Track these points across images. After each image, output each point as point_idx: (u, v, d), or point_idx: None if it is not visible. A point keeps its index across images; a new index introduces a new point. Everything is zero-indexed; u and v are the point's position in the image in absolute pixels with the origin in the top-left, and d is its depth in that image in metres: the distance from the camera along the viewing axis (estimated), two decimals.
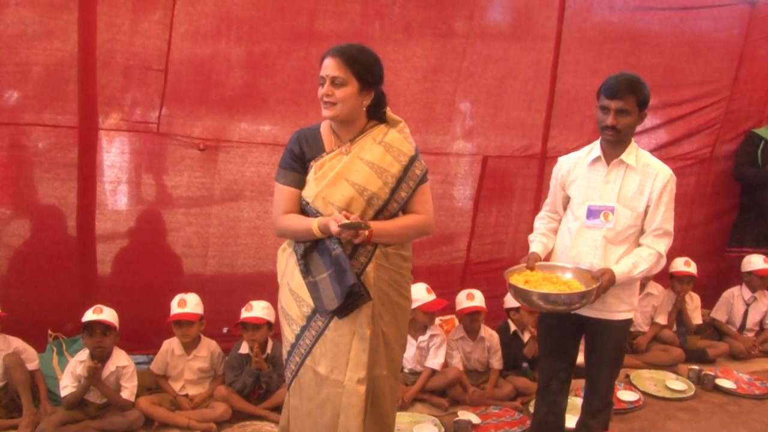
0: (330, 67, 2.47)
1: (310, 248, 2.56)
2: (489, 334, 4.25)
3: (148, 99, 3.75)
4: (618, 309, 2.94)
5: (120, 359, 3.61)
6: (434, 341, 4.11)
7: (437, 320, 4.39)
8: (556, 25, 4.52)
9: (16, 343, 3.62)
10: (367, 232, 2.42)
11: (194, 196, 3.96)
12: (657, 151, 3.17)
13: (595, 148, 2.97)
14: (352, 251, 2.51)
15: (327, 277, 2.48)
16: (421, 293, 4.01)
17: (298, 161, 2.58)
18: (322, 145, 2.59)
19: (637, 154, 2.91)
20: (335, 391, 2.55)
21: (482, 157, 4.59)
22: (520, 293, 2.79)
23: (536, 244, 3.07)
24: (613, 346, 3.00)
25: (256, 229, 4.06)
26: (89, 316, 3.50)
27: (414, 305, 3.89)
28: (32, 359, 3.64)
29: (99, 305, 3.54)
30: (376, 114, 2.62)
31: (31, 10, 3.45)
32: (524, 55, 4.51)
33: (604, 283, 2.75)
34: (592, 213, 2.91)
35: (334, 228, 2.37)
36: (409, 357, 4.11)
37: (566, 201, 3.09)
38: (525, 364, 4.28)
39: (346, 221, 2.38)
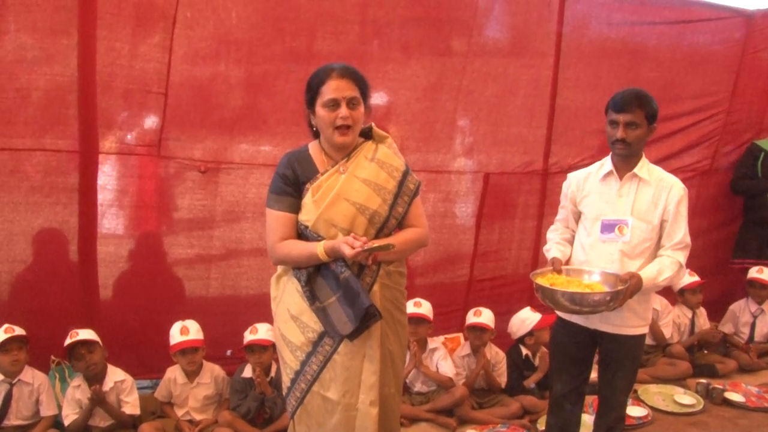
0: (345, 88, 2.41)
1: (314, 273, 2.50)
2: (494, 352, 4.23)
3: (148, 122, 3.74)
4: (634, 324, 2.91)
5: (116, 374, 3.60)
6: (437, 354, 4.10)
7: (442, 338, 4.37)
8: (555, 41, 4.54)
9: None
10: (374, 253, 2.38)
11: (196, 218, 3.94)
12: (657, 164, 3.18)
13: (606, 163, 2.98)
14: (358, 272, 2.47)
15: (335, 301, 2.44)
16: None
17: (292, 185, 2.50)
18: (315, 166, 2.53)
19: (649, 167, 2.92)
20: (349, 415, 2.50)
21: (484, 174, 4.59)
22: (547, 294, 2.74)
23: (554, 251, 3.04)
24: (628, 362, 2.98)
25: (259, 251, 4.03)
26: (68, 340, 3.49)
27: None
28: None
29: (73, 330, 3.53)
30: (362, 131, 2.58)
31: (30, 36, 3.45)
32: (523, 71, 4.53)
33: (632, 286, 2.70)
34: (606, 227, 2.90)
35: (348, 252, 2.29)
36: (413, 377, 4.08)
37: (578, 216, 3.08)
38: (532, 385, 4.24)
39: (376, 244, 2.34)
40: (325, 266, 2.46)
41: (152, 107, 3.71)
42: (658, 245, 2.90)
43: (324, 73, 2.44)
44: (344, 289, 2.41)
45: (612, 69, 4.73)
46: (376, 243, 2.37)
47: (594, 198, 2.97)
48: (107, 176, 3.75)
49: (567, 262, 3.04)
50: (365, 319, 2.40)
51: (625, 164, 2.91)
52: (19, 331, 3.47)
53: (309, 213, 2.47)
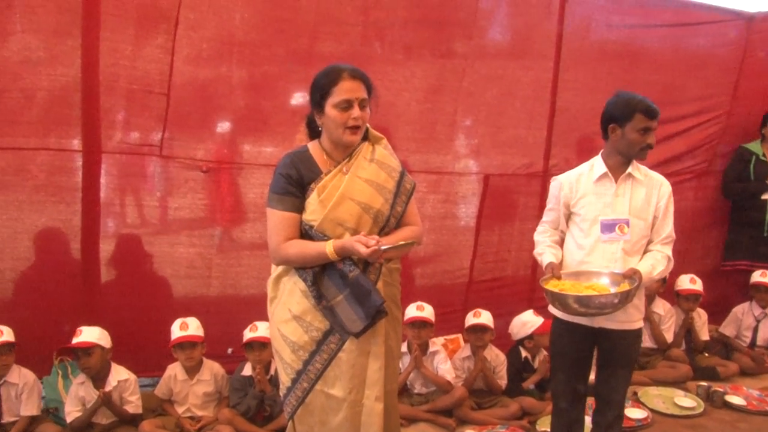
0: (357, 89, 2.44)
1: (319, 273, 2.50)
2: (495, 354, 4.23)
3: (150, 122, 3.78)
4: (636, 318, 2.99)
5: (119, 373, 3.64)
6: (437, 357, 4.11)
7: (442, 339, 4.38)
8: (555, 43, 4.56)
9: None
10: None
11: (197, 217, 3.97)
12: (656, 167, 3.19)
13: (596, 165, 3.02)
14: (363, 270, 2.47)
15: (343, 299, 2.45)
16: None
17: (296, 185, 2.50)
18: (317, 166, 2.54)
19: (638, 167, 2.99)
20: (355, 411, 2.51)
21: (484, 175, 4.60)
22: (557, 298, 2.77)
23: (548, 255, 3.04)
24: (628, 357, 3.03)
25: (259, 250, 4.05)
26: (74, 338, 3.54)
27: None
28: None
29: (79, 327, 3.56)
30: None
31: (35, 37, 3.50)
32: (524, 73, 4.54)
33: (640, 282, 2.78)
34: (606, 227, 2.94)
35: (363, 251, 2.31)
36: (413, 378, 4.10)
37: (568, 218, 3.10)
38: (532, 386, 4.25)
39: (402, 242, 2.41)
40: (330, 265, 2.47)
41: (155, 108, 3.75)
42: (649, 241, 2.98)
43: (335, 73, 2.45)
44: (352, 287, 2.43)
45: (612, 71, 4.75)
46: (402, 241, 2.44)
47: (591, 199, 2.99)
48: (110, 176, 3.79)
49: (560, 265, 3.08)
50: (376, 316, 2.43)
51: (619, 166, 2.97)
52: (7, 335, 3.51)
53: (315, 213, 2.48)
